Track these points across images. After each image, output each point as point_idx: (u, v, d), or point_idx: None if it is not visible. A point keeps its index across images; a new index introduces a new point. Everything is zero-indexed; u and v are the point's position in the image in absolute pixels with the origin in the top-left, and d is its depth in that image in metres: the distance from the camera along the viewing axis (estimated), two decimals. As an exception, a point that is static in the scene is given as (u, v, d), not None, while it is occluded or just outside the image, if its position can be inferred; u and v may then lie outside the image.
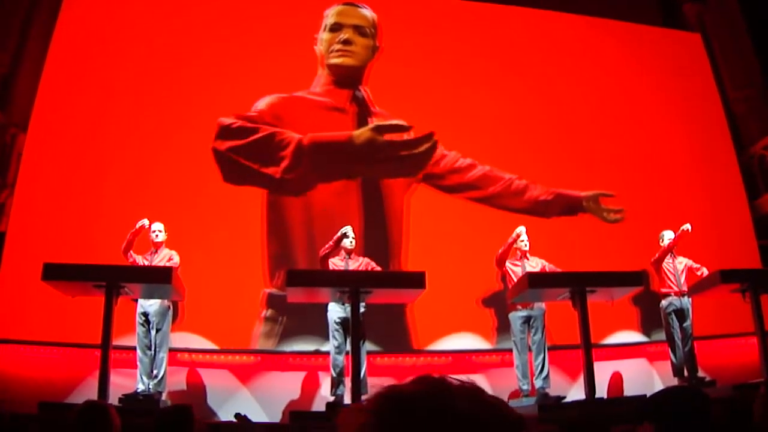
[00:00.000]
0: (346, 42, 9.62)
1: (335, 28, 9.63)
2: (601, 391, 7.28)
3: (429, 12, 9.94)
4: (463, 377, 0.93)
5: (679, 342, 7.10)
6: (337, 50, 9.56)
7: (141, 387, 6.17)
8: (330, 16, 9.74)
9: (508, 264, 6.96)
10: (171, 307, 6.54)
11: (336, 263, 6.70)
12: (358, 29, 9.75)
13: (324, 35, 9.56)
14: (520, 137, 9.31)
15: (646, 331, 8.50)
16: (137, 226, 6.45)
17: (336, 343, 6.44)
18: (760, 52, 10.82)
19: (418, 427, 0.83)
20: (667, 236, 7.42)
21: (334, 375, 6.37)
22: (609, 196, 9.11)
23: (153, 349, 6.30)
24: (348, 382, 6.04)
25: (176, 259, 6.61)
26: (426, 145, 8.99)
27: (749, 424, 3.06)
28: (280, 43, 9.06)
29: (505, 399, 7.22)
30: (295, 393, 7.42)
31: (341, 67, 9.42)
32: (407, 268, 8.15)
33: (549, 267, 7.06)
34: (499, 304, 7.74)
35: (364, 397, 0.90)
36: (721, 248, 8.80)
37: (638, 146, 9.67)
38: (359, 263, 6.82)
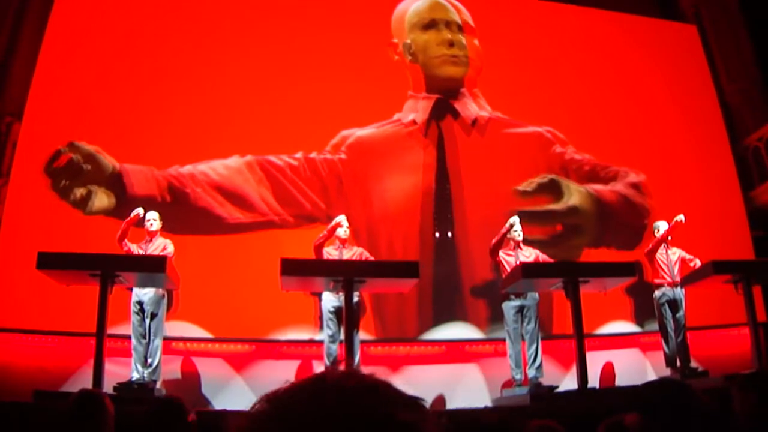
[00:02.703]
0: (452, 44, 9.25)
1: (431, 25, 9.31)
2: (594, 381, 7.33)
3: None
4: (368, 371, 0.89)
5: (671, 332, 7.12)
6: (448, 56, 9.21)
7: (135, 375, 6.18)
8: (417, 13, 9.37)
9: (501, 254, 6.97)
10: (165, 296, 6.54)
11: (330, 252, 6.71)
12: (459, 27, 9.49)
13: (419, 36, 9.24)
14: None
15: (639, 322, 8.54)
16: (132, 215, 6.44)
17: (330, 332, 6.47)
18: (756, 44, 10.84)
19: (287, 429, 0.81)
20: (661, 227, 7.44)
21: (328, 364, 6.39)
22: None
23: (148, 337, 6.31)
24: (342, 371, 6.05)
25: (170, 248, 6.61)
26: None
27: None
28: (278, 33, 9.01)
29: (498, 388, 7.28)
30: (289, 382, 7.43)
31: (454, 79, 9.21)
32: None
33: (542, 257, 7.08)
34: (493, 293, 7.76)
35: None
36: (714, 239, 8.82)
37: (633, 137, 9.68)
38: (353, 253, 6.83)
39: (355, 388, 0.84)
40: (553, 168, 9.10)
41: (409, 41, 9.27)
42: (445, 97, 9.18)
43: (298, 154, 8.41)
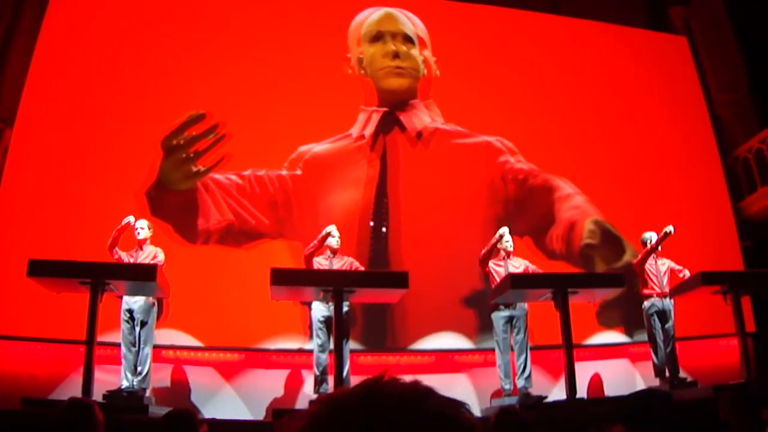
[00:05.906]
0: (397, 56, 9.21)
1: (378, 38, 9.28)
2: (583, 391, 7.34)
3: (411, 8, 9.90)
4: (414, 378, 0.91)
5: (660, 343, 7.14)
6: (392, 68, 9.15)
7: (125, 383, 6.17)
8: (366, 25, 9.34)
9: (491, 264, 6.98)
10: (155, 304, 6.53)
11: (320, 262, 6.72)
12: (406, 38, 9.45)
13: (368, 49, 9.21)
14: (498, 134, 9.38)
15: (628, 332, 8.57)
16: (122, 223, 6.43)
17: (320, 342, 6.47)
18: (746, 55, 10.91)
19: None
20: (651, 238, 7.46)
21: (318, 373, 6.39)
22: None
23: (137, 345, 6.30)
24: (331, 380, 6.07)
25: (161, 256, 6.60)
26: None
27: (720, 423, 3.14)
28: (273, 41, 9.04)
29: (488, 398, 7.29)
30: (278, 391, 7.46)
31: (398, 91, 9.14)
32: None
33: (532, 268, 7.10)
34: (482, 303, 7.78)
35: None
36: (704, 250, 8.86)
37: (623, 148, 9.73)
38: (343, 262, 6.84)
39: (416, 393, 0.86)
40: (494, 179, 9.08)
41: (360, 54, 9.28)
42: (391, 110, 9.14)
43: (247, 172, 8.39)
